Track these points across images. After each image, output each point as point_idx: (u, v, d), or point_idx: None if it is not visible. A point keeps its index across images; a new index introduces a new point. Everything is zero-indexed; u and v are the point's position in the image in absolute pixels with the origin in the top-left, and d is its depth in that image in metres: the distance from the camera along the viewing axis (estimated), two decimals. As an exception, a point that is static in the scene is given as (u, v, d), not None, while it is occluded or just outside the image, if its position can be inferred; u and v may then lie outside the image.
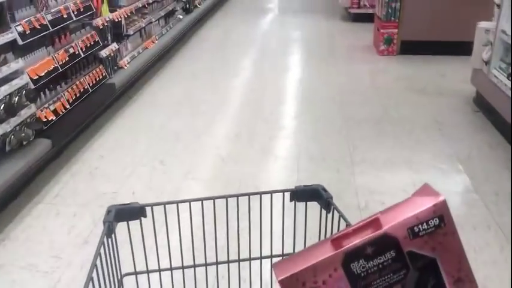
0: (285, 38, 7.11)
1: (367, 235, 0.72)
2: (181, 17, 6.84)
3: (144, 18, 5.33)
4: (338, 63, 5.80)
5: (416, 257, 0.72)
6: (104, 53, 4.21)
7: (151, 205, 1.24)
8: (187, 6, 7.30)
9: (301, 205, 1.31)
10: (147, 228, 1.27)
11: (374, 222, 0.73)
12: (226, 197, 1.27)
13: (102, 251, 1.10)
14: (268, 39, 7.17)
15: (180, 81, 5.27)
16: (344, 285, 0.72)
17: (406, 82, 5.05)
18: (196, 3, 7.77)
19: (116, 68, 4.51)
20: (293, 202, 1.31)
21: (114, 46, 4.43)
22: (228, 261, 1.35)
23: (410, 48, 5.81)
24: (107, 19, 4.29)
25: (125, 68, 4.65)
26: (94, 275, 1.01)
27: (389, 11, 5.74)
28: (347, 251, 0.72)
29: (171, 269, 1.33)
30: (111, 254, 1.17)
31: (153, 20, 5.62)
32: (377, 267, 0.72)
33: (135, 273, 1.31)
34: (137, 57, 5.02)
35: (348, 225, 1.14)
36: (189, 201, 1.26)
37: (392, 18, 5.76)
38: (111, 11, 4.45)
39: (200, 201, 1.28)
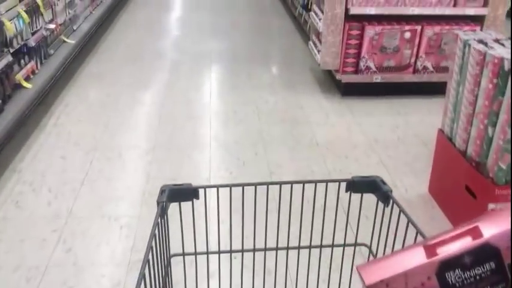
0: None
1: (466, 243, 0.68)
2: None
3: None
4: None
5: None
6: None
7: (205, 187, 1.24)
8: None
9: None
10: (188, 211, 1.24)
11: (473, 230, 0.68)
12: (280, 183, 1.27)
13: (156, 232, 1.10)
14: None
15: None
16: None
17: None
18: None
19: None
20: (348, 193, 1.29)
21: None
22: (277, 248, 1.35)
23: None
24: None
25: None
26: (150, 257, 1.01)
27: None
28: (443, 259, 0.67)
29: (219, 252, 1.34)
30: (162, 233, 1.18)
31: None
32: (474, 279, 0.68)
33: (183, 254, 1.33)
34: None
35: (409, 221, 1.11)
36: (243, 185, 1.26)
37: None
38: None
39: (254, 186, 1.27)
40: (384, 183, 1.26)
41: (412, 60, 3.95)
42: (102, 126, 3.49)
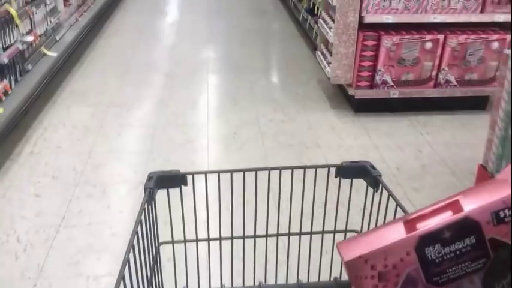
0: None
1: (446, 218, 0.66)
2: None
3: None
4: None
5: (499, 245, 0.65)
6: None
7: (193, 173, 1.23)
8: None
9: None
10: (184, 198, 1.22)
11: (453, 204, 0.67)
12: (268, 169, 1.25)
13: (142, 218, 1.08)
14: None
15: None
16: (416, 270, 0.67)
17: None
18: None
19: None
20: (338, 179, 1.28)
21: None
22: (267, 235, 1.34)
23: None
24: None
25: None
26: (135, 242, 1.00)
27: None
28: (422, 234, 0.66)
29: (208, 239, 1.32)
30: (150, 221, 1.16)
31: None
32: (454, 254, 0.66)
33: (172, 242, 1.30)
34: None
35: (398, 205, 1.09)
36: (231, 171, 1.24)
37: None
38: None
39: (242, 172, 1.25)
40: (374, 168, 1.23)
41: (434, 73, 3.52)
42: (84, 154, 3.05)
